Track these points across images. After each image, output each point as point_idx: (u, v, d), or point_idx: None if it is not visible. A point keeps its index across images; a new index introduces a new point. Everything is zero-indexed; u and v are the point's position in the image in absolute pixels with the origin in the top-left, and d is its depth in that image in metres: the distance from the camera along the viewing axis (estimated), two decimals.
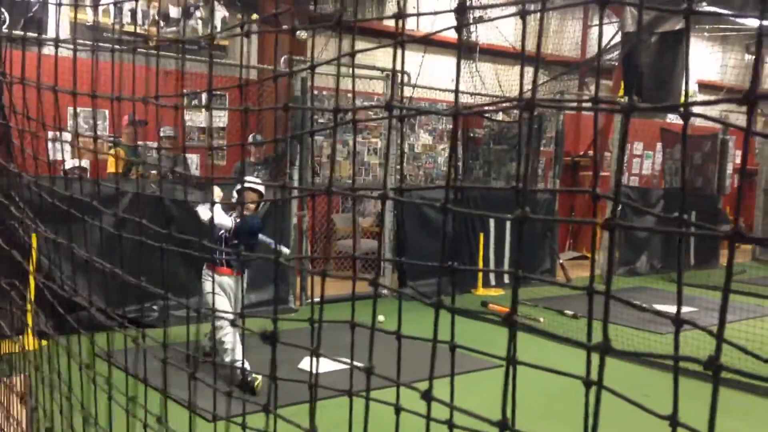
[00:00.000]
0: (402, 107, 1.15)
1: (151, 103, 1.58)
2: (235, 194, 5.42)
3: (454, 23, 1.01)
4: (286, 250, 5.38)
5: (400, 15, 1.14)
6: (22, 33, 2.15)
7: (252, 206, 5.51)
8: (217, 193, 5.45)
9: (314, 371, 1.23)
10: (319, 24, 1.38)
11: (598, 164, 12.63)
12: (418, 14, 1.21)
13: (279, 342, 1.26)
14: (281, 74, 1.74)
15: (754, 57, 0.71)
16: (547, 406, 4.93)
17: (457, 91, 1.03)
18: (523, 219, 0.72)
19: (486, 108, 9.84)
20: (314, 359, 1.24)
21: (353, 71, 1.29)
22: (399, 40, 1.16)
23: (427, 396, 0.93)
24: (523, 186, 0.75)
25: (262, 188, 5.51)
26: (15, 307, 2.59)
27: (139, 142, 7.82)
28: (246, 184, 5.36)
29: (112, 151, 6.75)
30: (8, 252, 2.38)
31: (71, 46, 1.90)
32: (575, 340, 0.82)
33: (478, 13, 10.36)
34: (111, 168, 7.44)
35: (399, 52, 1.17)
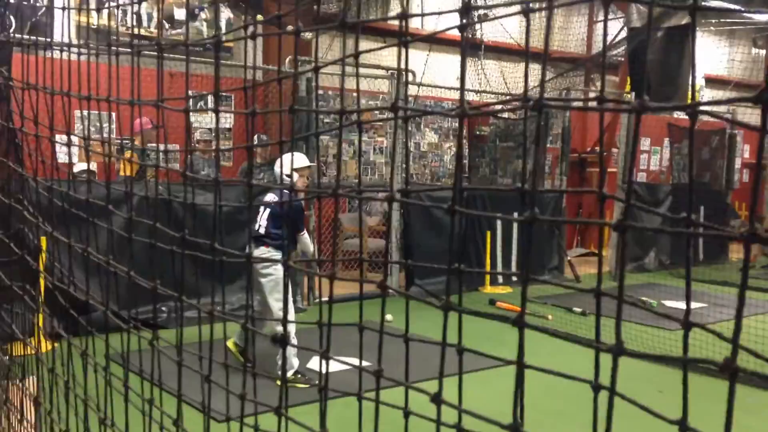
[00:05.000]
0: (407, 108, 1.15)
1: (161, 107, 1.59)
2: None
3: (458, 21, 1.01)
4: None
5: (404, 15, 1.14)
6: (29, 38, 2.16)
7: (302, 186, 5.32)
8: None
9: (323, 373, 1.23)
10: (323, 25, 1.37)
11: (605, 161, 12.58)
12: (423, 14, 1.21)
13: (288, 344, 1.27)
14: (286, 76, 1.75)
15: (763, 51, 0.69)
16: (556, 405, 4.92)
17: (462, 91, 1.03)
18: (531, 221, 0.72)
19: (493, 108, 9.79)
20: (323, 361, 1.25)
21: (357, 71, 1.28)
22: (403, 39, 1.16)
23: (437, 399, 0.93)
24: (531, 186, 0.75)
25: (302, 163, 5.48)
26: (27, 309, 2.61)
27: (151, 144, 7.83)
28: (295, 165, 5.08)
29: (121, 155, 6.77)
30: (19, 255, 2.40)
31: (78, 50, 1.91)
32: (586, 340, 0.82)
33: (482, 12, 10.34)
34: (123, 171, 7.47)
35: (403, 51, 1.17)
